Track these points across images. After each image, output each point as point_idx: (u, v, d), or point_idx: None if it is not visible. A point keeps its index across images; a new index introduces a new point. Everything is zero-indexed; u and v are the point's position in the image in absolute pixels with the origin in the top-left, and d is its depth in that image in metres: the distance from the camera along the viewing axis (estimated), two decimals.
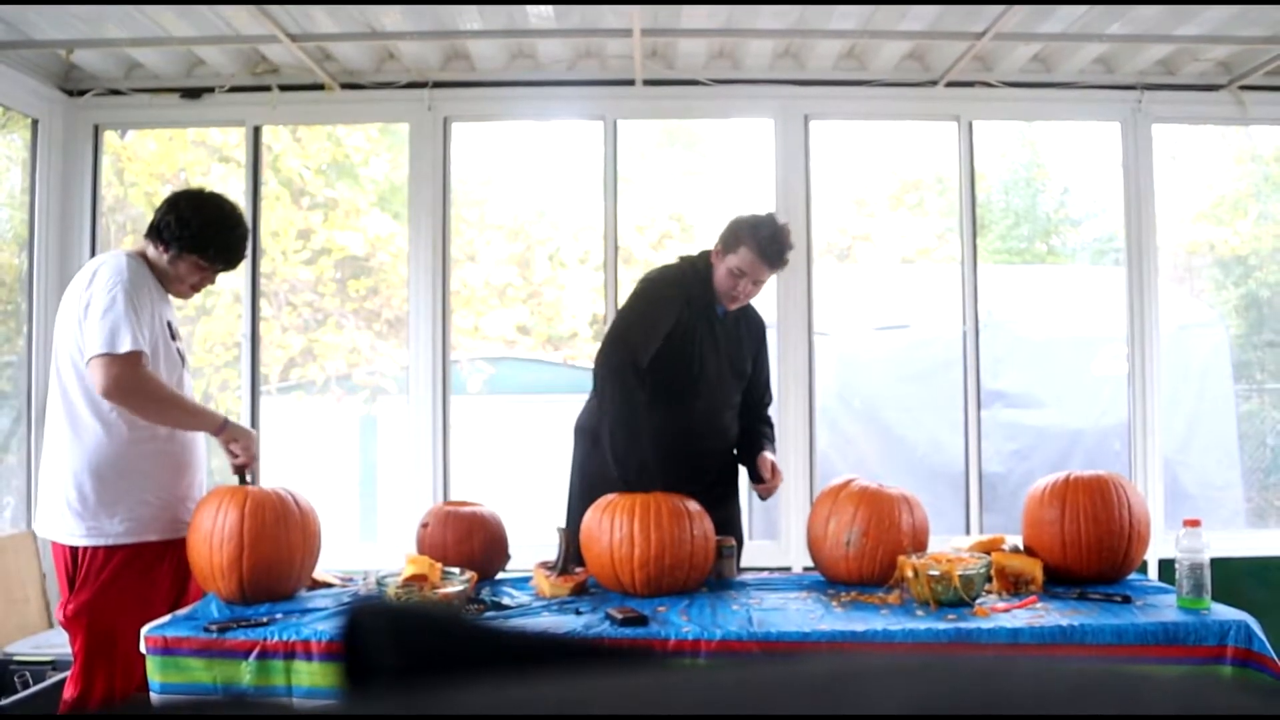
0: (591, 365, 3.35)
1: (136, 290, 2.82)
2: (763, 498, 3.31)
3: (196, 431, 3.00)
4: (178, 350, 3.04)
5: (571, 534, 3.01)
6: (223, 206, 3.07)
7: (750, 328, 3.41)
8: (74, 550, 2.81)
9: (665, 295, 3.21)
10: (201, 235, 2.96)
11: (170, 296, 3.07)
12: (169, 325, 3.01)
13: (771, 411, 3.52)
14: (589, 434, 3.31)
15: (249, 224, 3.15)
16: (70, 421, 2.85)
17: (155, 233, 2.98)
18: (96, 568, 2.80)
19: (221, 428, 2.93)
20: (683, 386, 3.17)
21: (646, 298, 3.23)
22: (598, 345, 3.39)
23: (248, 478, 2.95)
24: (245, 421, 4.62)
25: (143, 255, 2.98)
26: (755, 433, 3.38)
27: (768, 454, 3.27)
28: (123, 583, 2.81)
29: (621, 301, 3.47)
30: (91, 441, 2.83)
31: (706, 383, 3.22)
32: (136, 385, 2.75)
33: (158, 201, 3.13)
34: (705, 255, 3.29)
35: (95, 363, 2.72)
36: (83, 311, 2.79)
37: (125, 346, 2.72)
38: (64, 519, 2.82)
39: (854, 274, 7.84)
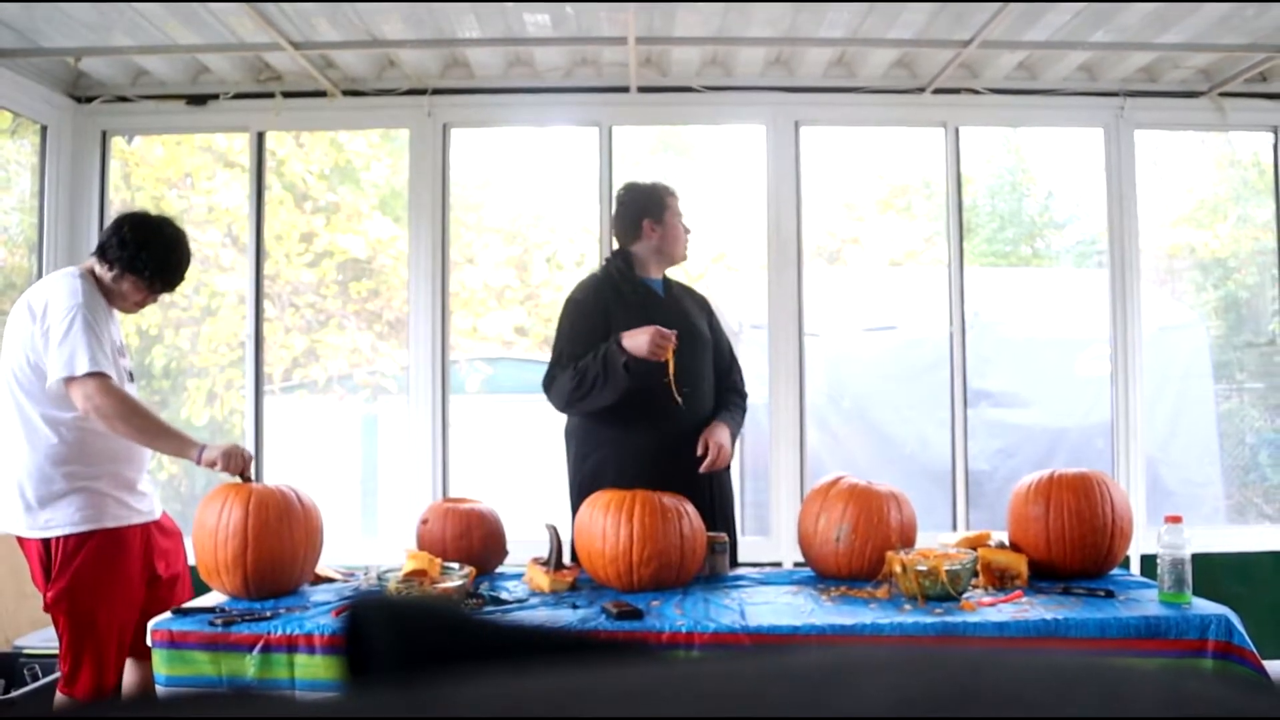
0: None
1: (92, 311, 2.91)
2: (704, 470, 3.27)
3: (176, 455, 3.05)
4: (125, 369, 3.11)
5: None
6: (164, 230, 3.14)
7: (694, 298, 3.56)
8: (45, 543, 2.91)
9: (584, 307, 3.33)
10: (139, 256, 3.04)
11: (115, 313, 3.14)
12: (119, 344, 3.10)
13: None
14: (577, 436, 3.37)
15: (189, 248, 3.20)
16: (24, 427, 2.94)
17: (101, 251, 3.07)
18: (69, 555, 2.90)
19: (199, 454, 2.96)
20: (649, 367, 3.19)
21: (567, 317, 3.37)
22: None
23: (249, 476, 3.00)
24: (249, 420, 4.68)
25: (91, 272, 3.06)
26: (720, 403, 3.40)
27: (712, 428, 3.26)
28: (95, 567, 2.91)
29: None
30: (44, 444, 2.93)
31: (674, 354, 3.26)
32: (111, 407, 2.85)
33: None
34: (620, 251, 3.46)
35: (69, 387, 2.84)
36: (43, 334, 2.89)
37: (84, 368, 2.82)
38: (29, 516, 2.92)
39: (843, 276, 7.79)
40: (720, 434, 3.24)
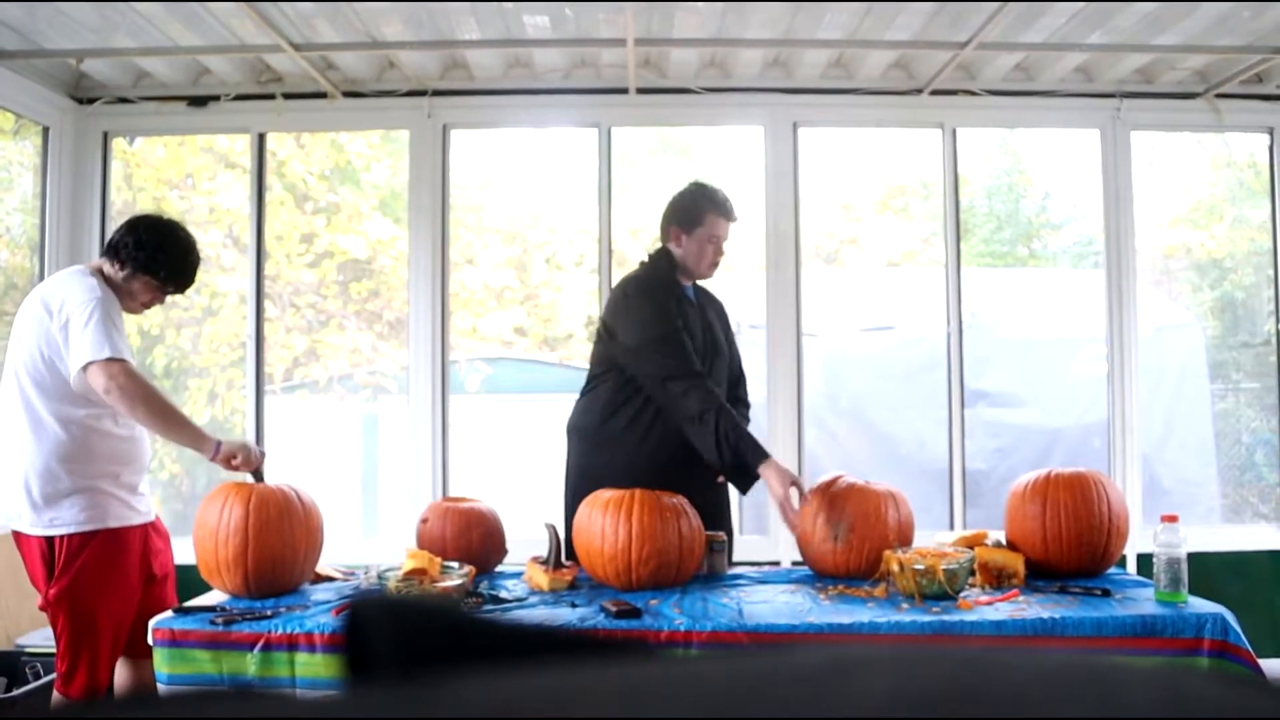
0: (591, 367, 3.41)
1: (111, 305, 2.95)
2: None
3: (191, 448, 3.05)
4: None
5: (565, 530, 3.08)
6: (178, 233, 3.19)
7: (715, 306, 3.53)
8: (49, 541, 2.93)
9: (663, 291, 3.26)
10: (156, 258, 3.09)
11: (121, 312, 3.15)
12: None
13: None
14: (581, 433, 3.37)
15: (199, 252, 3.26)
16: (32, 423, 2.95)
17: (113, 251, 3.10)
18: (72, 554, 2.92)
19: (215, 451, 2.98)
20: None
21: (652, 298, 3.23)
22: (592, 346, 3.47)
23: (260, 479, 3.02)
24: (250, 419, 4.71)
25: (99, 271, 3.08)
26: None
27: None
28: (97, 567, 2.94)
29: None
30: (51, 441, 2.94)
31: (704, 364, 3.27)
32: (136, 389, 2.87)
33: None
34: (661, 250, 3.40)
35: (92, 370, 2.84)
36: (61, 327, 2.90)
37: (108, 353, 2.84)
38: (35, 513, 2.94)
39: (841, 277, 7.86)
40: None
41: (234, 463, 2.98)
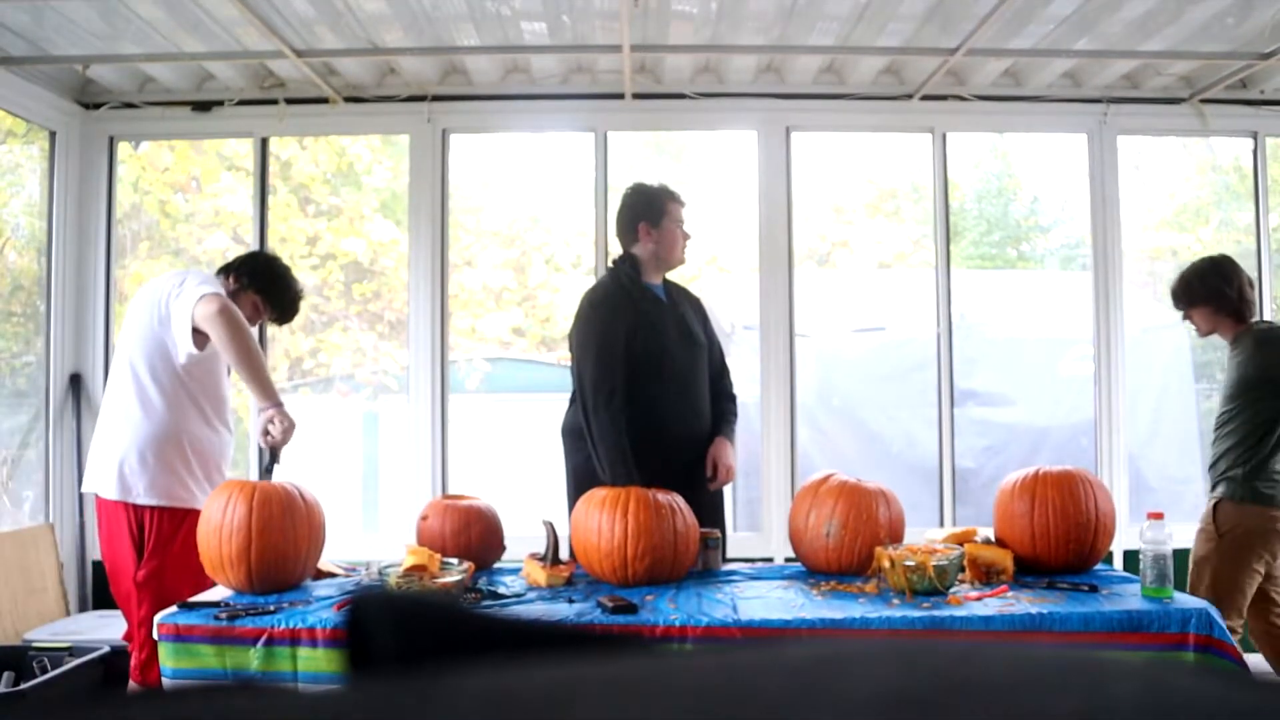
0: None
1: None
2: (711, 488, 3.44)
3: (256, 394, 3.20)
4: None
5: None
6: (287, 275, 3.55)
7: (691, 302, 3.60)
8: (141, 513, 3.09)
9: (608, 315, 3.35)
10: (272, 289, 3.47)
11: None
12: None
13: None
14: (574, 436, 3.41)
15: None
16: (140, 400, 3.16)
17: (233, 272, 3.44)
18: (168, 534, 3.06)
19: (278, 403, 3.13)
20: (653, 373, 3.29)
21: (594, 329, 3.35)
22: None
23: (275, 461, 3.10)
24: (254, 416, 4.75)
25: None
26: (717, 415, 3.48)
27: (719, 448, 3.39)
28: (185, 549, 3.02)
29: None
30: (157, 418, 3.15)
31: (671, 360, 3.34)
32: (236, 316, 3.09)
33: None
34: (625, 255, 3.49)
35: (203, 301, 3.06)
36: (177, 287, 3.19)
37: (216, 287, 3.16)
38: (131, 481, 3.11)
39: (833, 278, 7.88)
40: (727, 455, 3.38)
41: (273, 428, 3.11)
